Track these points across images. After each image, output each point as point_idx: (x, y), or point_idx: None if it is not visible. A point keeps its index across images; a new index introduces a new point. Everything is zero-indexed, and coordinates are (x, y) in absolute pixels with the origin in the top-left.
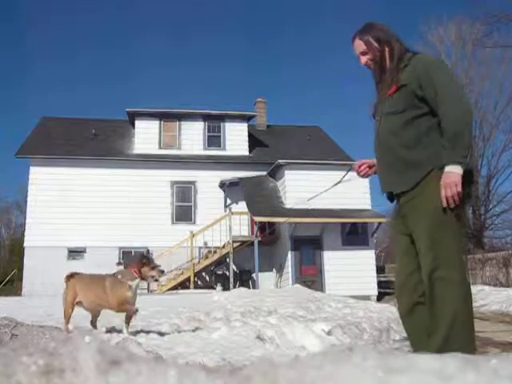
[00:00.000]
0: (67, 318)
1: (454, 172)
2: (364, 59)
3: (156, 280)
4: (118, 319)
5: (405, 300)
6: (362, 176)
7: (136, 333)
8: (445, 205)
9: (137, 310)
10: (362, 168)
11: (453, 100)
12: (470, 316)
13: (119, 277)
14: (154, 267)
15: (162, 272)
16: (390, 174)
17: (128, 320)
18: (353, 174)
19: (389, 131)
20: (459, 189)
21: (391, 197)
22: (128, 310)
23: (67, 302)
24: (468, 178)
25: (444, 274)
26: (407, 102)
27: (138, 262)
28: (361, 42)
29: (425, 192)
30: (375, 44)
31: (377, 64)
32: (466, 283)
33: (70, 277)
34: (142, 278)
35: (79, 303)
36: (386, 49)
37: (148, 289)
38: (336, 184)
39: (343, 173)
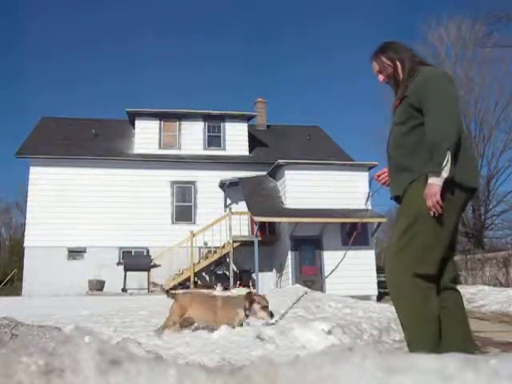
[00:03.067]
0: (169, 326)
1: (433, 183)
2: (381, 77)
3: (264, 320)
4: (119, 320)
5: None
6: (383, 184)
7: (136, 333)
8: (431, 214)
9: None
10: (382, 177)
11: (435, 112)
12: (414, 311)
13: (232, 300)
14: (265, 307)
15: (272, 315)
16: (392, 180)
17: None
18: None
19: (393, 141)
20: (438, 198)
21: (396, 200)
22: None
23: (173, 316)
24: (462, 191)
25: (395, 266)
26: (407, 113)
27: (251, 296)
28: (375, 63)
29: (409, 196)
30: (388, 62)
31: (391, 80)
32: (411, 283)
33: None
34: (249, 312)
35: (188, 319)
36: (398, 65)
37: (148, 289)
38: (370, 195)
39: (343, 173)
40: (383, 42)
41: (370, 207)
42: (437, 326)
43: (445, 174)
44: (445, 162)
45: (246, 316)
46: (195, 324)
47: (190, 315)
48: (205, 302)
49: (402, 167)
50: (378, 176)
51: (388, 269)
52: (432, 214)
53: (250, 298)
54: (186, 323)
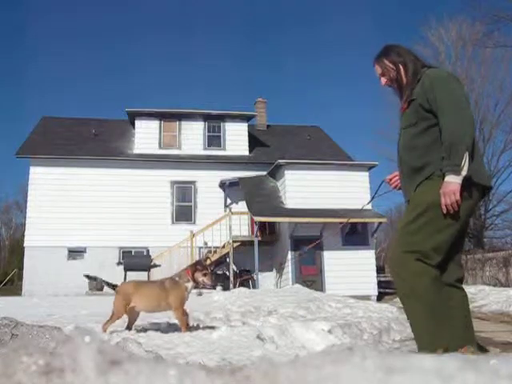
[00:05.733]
0: (113, 321)
1: (451, 181)
2: (383, 80)
3: (208, 285)
4: (119, 320)
5: None
6: (394, 188)
7: (136, 333)
8: (445, 212)
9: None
10: (394, 180)
11: (450, 112)
12: (422, 301)
13: (177, 278)
14: (206, 274)
15: (212, 280)
16: (406, 184)
17: (183, 320)
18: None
19: (404, 145)
20: (457, 197)
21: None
22: (184, 310)
23: (117, 308)
24: (475, 190)
25: (403, 256)
26: (417, 115)
27: (192, 265)
28: (378, 66)
29: (420, 191)
30: (390, 65)
31: (394, 83)
32: (423, 276)
33: (121, 286)
34: (195, 282)
35: (132, 308)
36: (401, 68)
37: None
38: (372, 199)
39: (343, 173)
40: (386, 45)
41: (370, 207)
42: (445, 312)
43: (464, 172)
44: (463, 162)
45: (196, 284)
46: (140, 313)
47: (135, 304)
48: (149, 287)
49: (416, 169)
50: (390, 180)
51: (394, 255)
52: (445, 211)
53: (192, 269)
54: (132, 317)
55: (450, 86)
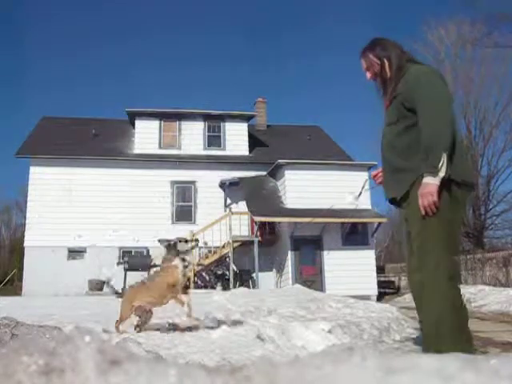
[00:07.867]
0: (123, 321)
1: (429, 183)
2: (368, 75)
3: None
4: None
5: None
6: (379, 183)
7: (136, 333)
8: (423, 213)
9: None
10: (378, 176)
11: (429, 112)
12: (454, 318)
13: (164, 264)
14: (194, 247)
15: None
16: (388, 182)
17: (181, 299)
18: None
19: (387, 143)
20: (435, 198)
21: (392, 202)
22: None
23: (124, 309)
24: (459, 186)
25: (422, 278)
26: (399, 113)
27: (173, 245)
28: (363, 61)
29: (415, 198)
30: (375, 60)
31: (378, 78)
32: (446, 286)
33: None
34: (183, 260)
35: (138, 307)
36: (386, 63)
37: None
38: (360, 194)
39: (343, 173)
40: (372, 38)
41: (370, 207)
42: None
43: (441, 173)
44: (440, 164)
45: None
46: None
47: (140, 303)
48: (145, 283)
49: (397, 169)
50: (375, 175)
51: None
52: (424, 213)
53: (175, 248)
54: (143, 317)
55: (431, 84)
